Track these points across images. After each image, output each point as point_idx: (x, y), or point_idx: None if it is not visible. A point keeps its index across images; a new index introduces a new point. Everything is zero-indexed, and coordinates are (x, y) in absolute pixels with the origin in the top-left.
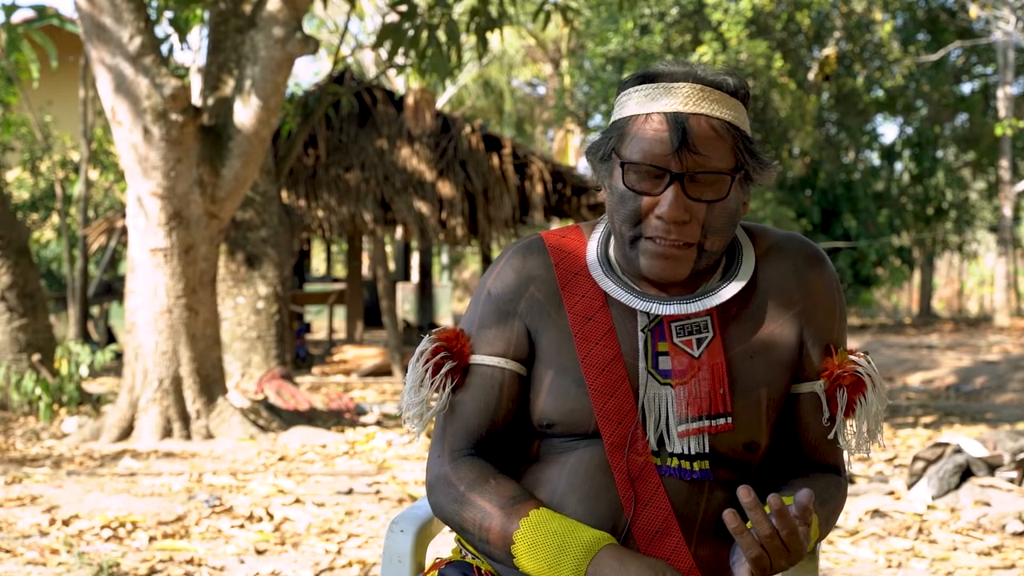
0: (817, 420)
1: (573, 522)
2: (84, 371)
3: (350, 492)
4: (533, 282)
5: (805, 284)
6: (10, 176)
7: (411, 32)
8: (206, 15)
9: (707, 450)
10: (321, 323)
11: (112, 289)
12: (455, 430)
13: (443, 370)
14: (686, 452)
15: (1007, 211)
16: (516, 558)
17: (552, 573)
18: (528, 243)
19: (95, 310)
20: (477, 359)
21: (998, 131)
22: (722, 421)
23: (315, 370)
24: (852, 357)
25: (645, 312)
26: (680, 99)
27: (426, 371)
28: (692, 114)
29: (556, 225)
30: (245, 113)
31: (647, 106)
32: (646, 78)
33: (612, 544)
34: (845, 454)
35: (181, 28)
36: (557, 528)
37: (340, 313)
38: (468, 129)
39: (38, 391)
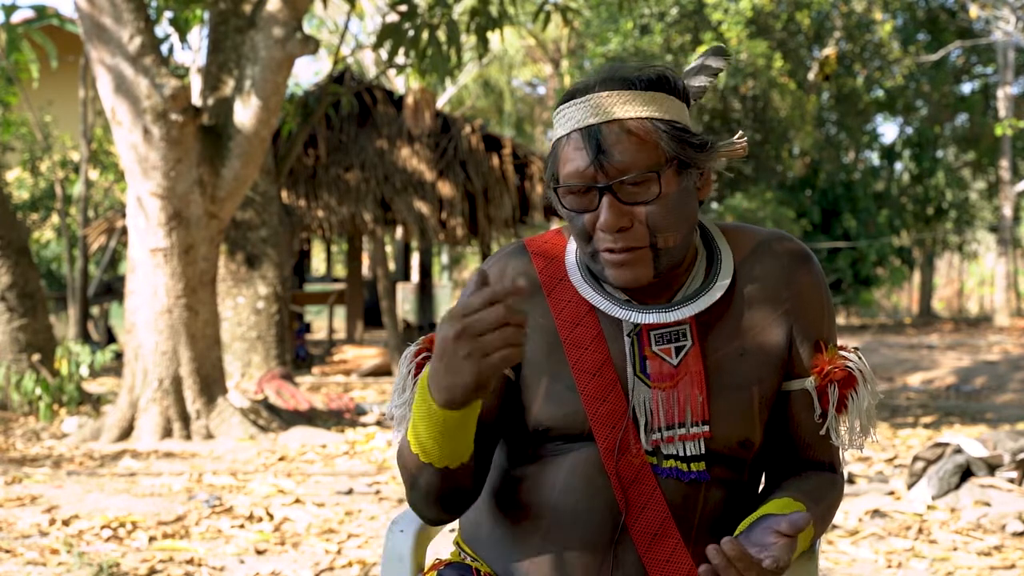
0: (809, 417)
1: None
2: (84, 371)
3: (350, 492)
4: None
5: (792, 282)
6: (10, 176)
7: (411, 32)
8: (206, 15)
9: (703, 451)
10: (321, 323)
11: (112, 289)
12: None
13: (424, 370)
14: (681, 454)
15: (1007, 211)
16: (417, 453)
17: (421, 424)
18: (511, 251)
19: (95, 310)
20: None
21: (998, 131)
22: (698, 429)
23: (315, 370)
24: (842, 353)
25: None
26: (590, 111)
27: (408, 372)
28: (604, 123)
29: (556, 225)
30: (245, 113)
31: (566, 126)
32: (569, 95)
33: None
34: (840, 450)
35: (181, 28)
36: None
37: (340, 313)
38: (468, 129)
39: (38, 391)
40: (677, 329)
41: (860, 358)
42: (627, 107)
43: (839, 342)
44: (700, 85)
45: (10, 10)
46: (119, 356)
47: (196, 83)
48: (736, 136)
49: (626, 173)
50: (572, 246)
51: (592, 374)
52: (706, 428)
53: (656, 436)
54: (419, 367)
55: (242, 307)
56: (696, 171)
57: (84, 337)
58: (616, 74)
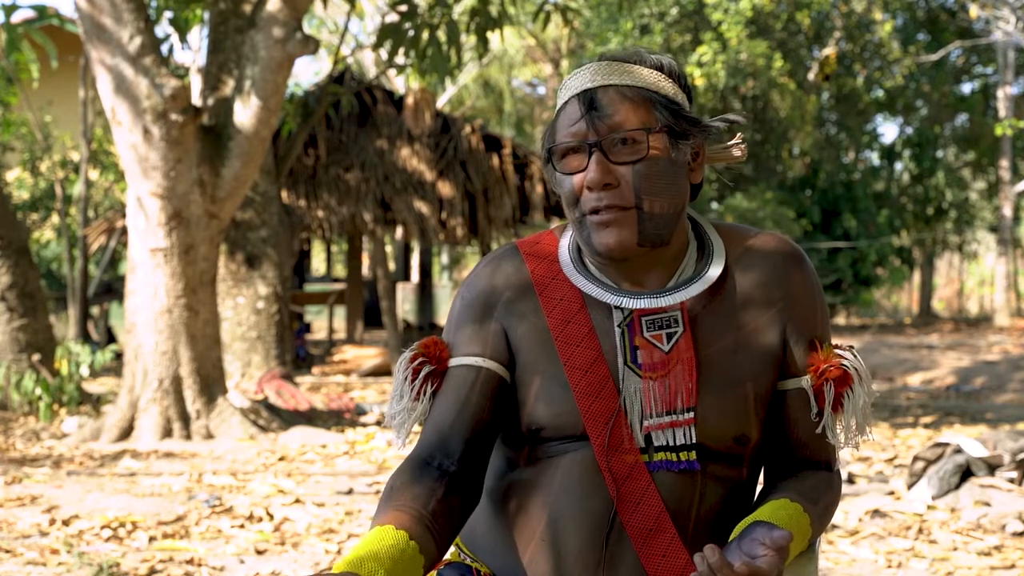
0: (805, 416)
1: (361, 547)
2: (84, 371)
3: (350, 492)
4: (509, 288)
5: (785, 282)
6: (10, 176)
7: (411, 32)
8: (206, 15)
9: (692, 441)
10: (321, 323)
11: (112, 289)
12: (426, 431)
13: (421, 375)
14: (671, 444)
15: (1007, 211)
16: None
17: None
18: (502, 252)
19: (95, 310)
20: (454, 361)
21: (998, 131)
22: (684, 416)
23: (315, 370)
24: (838, 351)
25: (618, 307)
26: (588, 78)
27: (405, 378)
28: (599, 87)
29: (556, 225)
30: (245, 113)
31: (562, 96)
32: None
33: None
34: (836, 449)
35: (181, 28)
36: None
37: (340, 313)
38: (468, 129)
39: (38, 391)
40: (668, 315)
41: (855, 356)
42: (624, 76)
43: (837, 341)
44: (715, 125)
45: (10, 10)
46: (119, 356)
47: (196, 83)
48: (736, 137)
49: (617, 130)
50: (564, 242)
51: (584, 371)
52: (691, 415)
53: (649, 422)
54: (415, 373)
55: (242, 307)
56: (689, 147)
57: (84, 337)
58: (619, 54)
